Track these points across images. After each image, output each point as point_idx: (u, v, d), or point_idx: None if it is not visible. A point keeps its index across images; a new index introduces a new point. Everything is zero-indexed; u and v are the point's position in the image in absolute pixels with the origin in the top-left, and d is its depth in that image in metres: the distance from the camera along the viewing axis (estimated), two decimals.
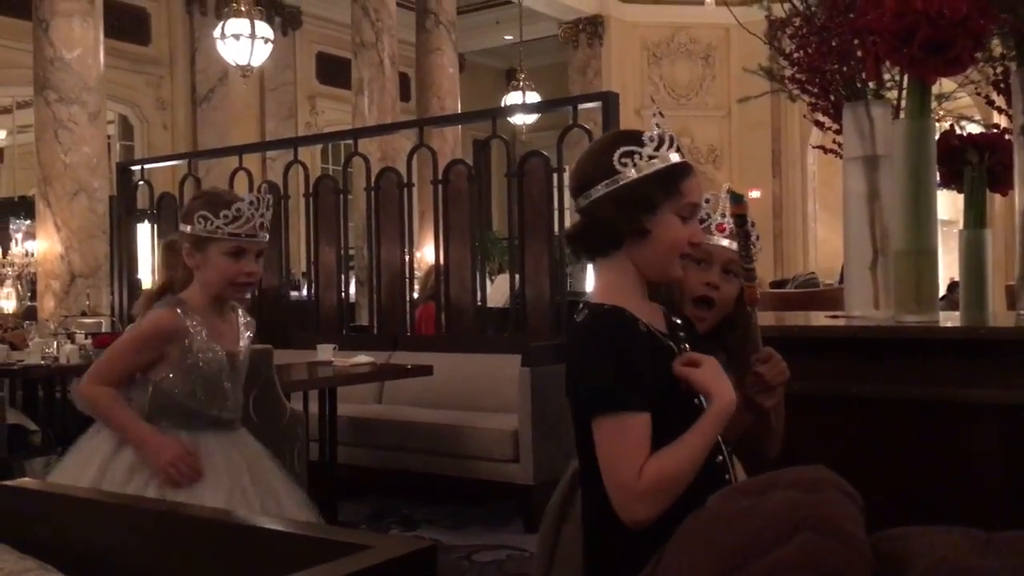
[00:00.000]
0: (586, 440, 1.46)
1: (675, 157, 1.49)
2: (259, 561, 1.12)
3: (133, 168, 7.12)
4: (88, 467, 2.18)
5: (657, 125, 1.50)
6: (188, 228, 2.23)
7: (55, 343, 5.05)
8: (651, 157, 1.48)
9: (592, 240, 1.52)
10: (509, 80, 15.33)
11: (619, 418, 1.38)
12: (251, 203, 2.27)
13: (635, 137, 1.50)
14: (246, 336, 2.38)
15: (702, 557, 1.09)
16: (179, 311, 2.21)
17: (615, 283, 1.51)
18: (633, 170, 1.47)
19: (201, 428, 2.23)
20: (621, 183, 1.47)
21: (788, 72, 2.46)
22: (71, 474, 2.20)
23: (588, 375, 1.45)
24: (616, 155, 1.48)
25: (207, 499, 2.07)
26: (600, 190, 1.49)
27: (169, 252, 2.32)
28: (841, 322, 2.09)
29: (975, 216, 2.39)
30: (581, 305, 1.53)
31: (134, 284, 6.84)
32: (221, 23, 9.08)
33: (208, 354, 2.23)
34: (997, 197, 2.59)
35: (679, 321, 1.58)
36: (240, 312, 2.40)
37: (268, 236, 2.34)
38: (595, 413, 1.42)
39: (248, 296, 2.31)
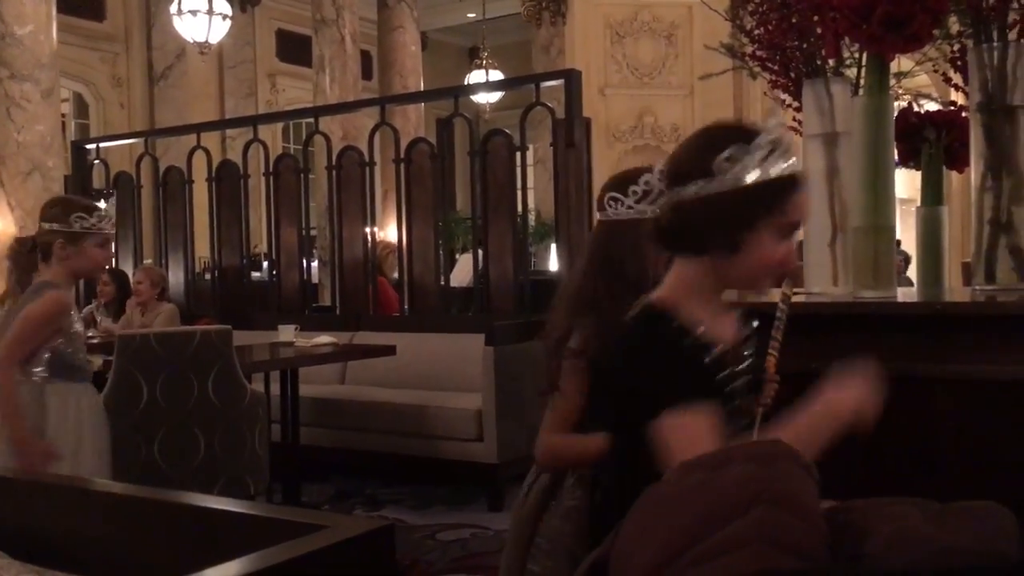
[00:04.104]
0: (623, 439, 1.39)
1: (783, 167, 1.31)
2: (216, 542, 1.11)
3: (88, 147, 6.99)
4: None
5: (771, 129, 1.33)
6: (58, 226, 2.73)
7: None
8: (759, 166, 1.30)
9: (675, 239, 1.38)
10: (472, 58, 15.25)
11: (686, 412, 1.28)
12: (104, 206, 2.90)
13: (748, 137, 1.32)
14: None
15: (659, 531, 1.09)
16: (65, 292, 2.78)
17: (685, 282, 1.38)
18: (734, 178, 1.30)
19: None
20: (718, 190, 1.30)
21: (749, 49, 2.46)
22: None
23: (642, 378, 1.34)
24: (721, 156, 1.30)
25: None
26: (692, 190, 1.32)
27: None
28: (801, 298, 2.10)
29: (932, 193, 2.41)
30: (643, 302, 1.40)
31: None
32: None
33: (78, 324, 2.84)
34: (954, 175, 2.62)
35: (755, 324, 1.46)
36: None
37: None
38: (657, 413, 1.29)
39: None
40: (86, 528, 1.27)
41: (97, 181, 7.04)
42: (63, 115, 9.56)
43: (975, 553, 1.09)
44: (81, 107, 12.03)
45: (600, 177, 12.83)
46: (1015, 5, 2.02)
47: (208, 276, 6.71)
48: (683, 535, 1.06)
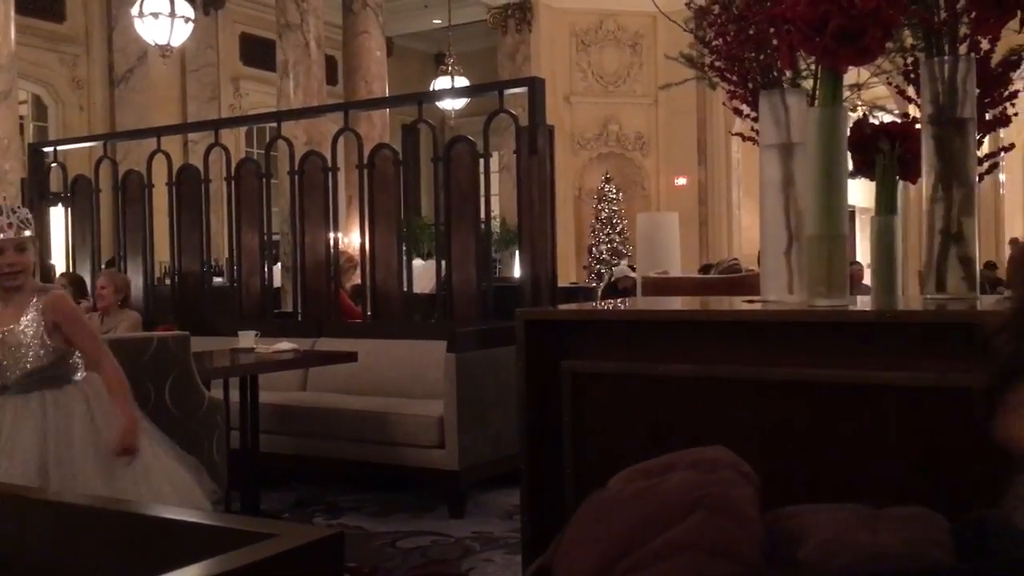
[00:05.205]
0: None
1: None
2: (163, 552, 1.09)
3: (46, 150, 6.88)
4: None
5: None
6: None
7: None
8: None
9: None
10: (438, 64, 15.26)
11: None
12: (10, 209, 2.77)
13: None
14: (29, 316, 2.74)
15: (600, 537, 1.09)
16: None
17: None
18: None
19: None
20: None
21: (708, 60, 2.48)
22: None
23: None
24: None
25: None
26: None
27: None
28: (757, 306, 2.13)
29: (886, 203, 2.44)
30: None
31: (46, 269, 6.62)
32: (139, 0, 8.82)
33: None
34: (913, 186, 2.66)
35: None
36: (38, 298, 2.77)
37: (25, 232, 2.76)
38: None
39: (16, 284, 2.76)
40: (32, 538, 1.25)
41: (55, 184, 6.93)
42: (21, 117, 9.42)
43: (907, 558, 1.10)
44: (40, 109, 11.86)
45: (564, 185, 12.91)
46: (965, 19, 2.07)
47: (168, 281, 6.63)
48: (622, 541, 1.06)
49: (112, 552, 1.19)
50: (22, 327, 2.72)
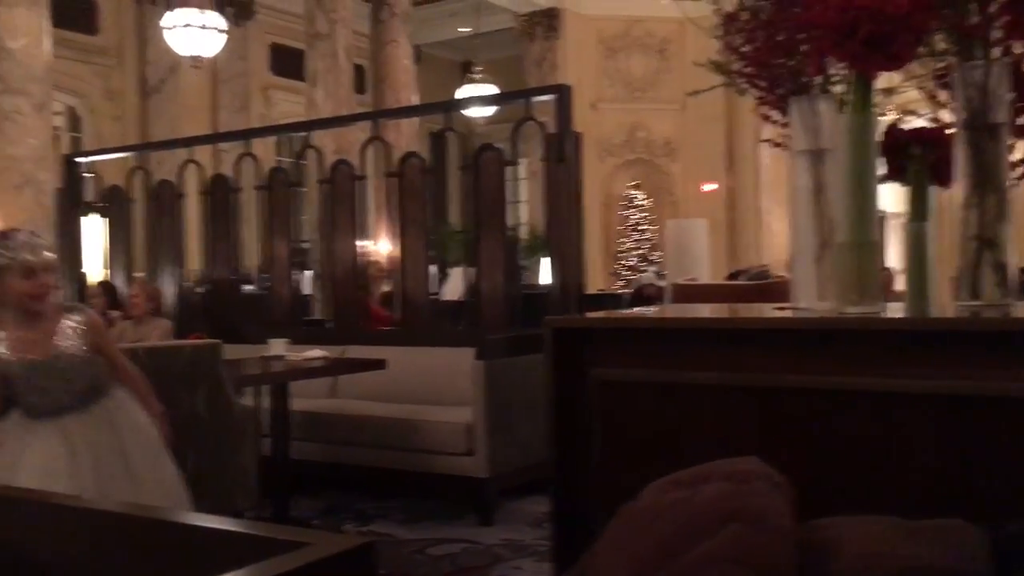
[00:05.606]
0: None
1: None
2: (192, 559, 1.10)
3: (80, 160, 6.98)
4: None
5: None
6: None
7: None
8: None
9: None
10: (465, 72, 15.31)
11: None
12: (30, 233, 2.82)
13: None
14: (67, 336, 2.72)
15: (635, 548, 1.08)
16: None
17: None
18: None
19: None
20: None
21: (737, 66, 2.47)
22: None
23: None
24: None
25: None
26: None
27: None
28: (788, 313, 2.11)
29: (918, 209, 2.42)
30: None
31: (80, 278, 6.72)
32: (171, 12, 8.94)
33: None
34: (948, 190, 2.63)
35: None
36: (70, 318, 2.75)
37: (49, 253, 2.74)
38: None
39: (43, 307, 2.69)
40: (62, 545, 1.27)
41: (89, 195, 7.03)
42: (56, 128, 9.57)
43: (944, 571, 1.09)
44: (74, 120, 12.04)
45: (591, 191, 12.93)
46: (997, 24, 2.04)
47: (199, 290, 6.71)
48: (659, 552, 1.06)
49: (145, 560, 1.20)
50: (64, 350, 2.70)
